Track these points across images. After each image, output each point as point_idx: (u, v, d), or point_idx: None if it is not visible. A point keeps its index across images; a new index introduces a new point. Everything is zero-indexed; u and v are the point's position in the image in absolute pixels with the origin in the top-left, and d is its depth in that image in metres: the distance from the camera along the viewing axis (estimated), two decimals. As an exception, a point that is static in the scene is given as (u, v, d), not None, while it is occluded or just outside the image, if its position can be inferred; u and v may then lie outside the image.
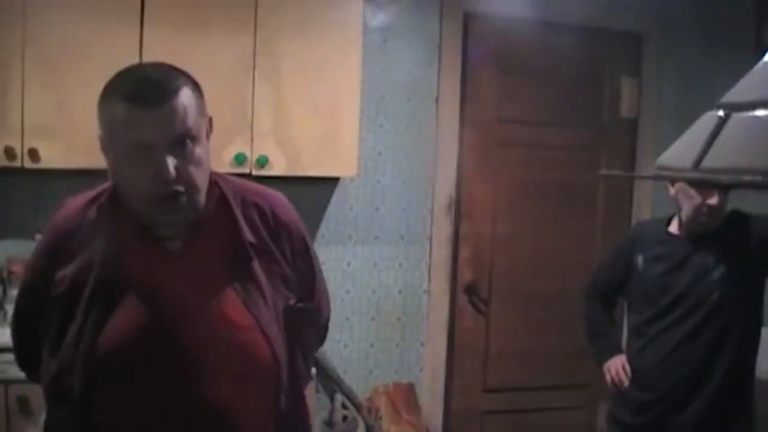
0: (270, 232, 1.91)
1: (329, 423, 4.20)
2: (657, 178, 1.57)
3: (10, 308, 3.36)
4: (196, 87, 1.79)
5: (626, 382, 3.33)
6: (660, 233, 3.32)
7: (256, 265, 1.85)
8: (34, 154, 3.41)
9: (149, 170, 1.68)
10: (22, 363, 1.99)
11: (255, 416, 1.80)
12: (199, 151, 1.75)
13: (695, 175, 1.17)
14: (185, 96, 1.73)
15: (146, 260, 1.79)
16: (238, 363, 1.77)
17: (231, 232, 1.85)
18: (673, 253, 3.23)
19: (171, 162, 1.68)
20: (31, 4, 3.37)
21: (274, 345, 1.81)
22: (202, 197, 1.79)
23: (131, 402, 1.72)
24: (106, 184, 1.86)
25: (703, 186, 3.01)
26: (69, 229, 1.83)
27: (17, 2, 3.35)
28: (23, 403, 3.27)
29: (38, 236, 3.23)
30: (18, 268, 3.59)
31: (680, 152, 1.23)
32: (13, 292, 3.49)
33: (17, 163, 3.41)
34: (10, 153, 3.38)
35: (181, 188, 1.71)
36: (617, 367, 3.36)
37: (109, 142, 1.74)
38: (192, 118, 1.73)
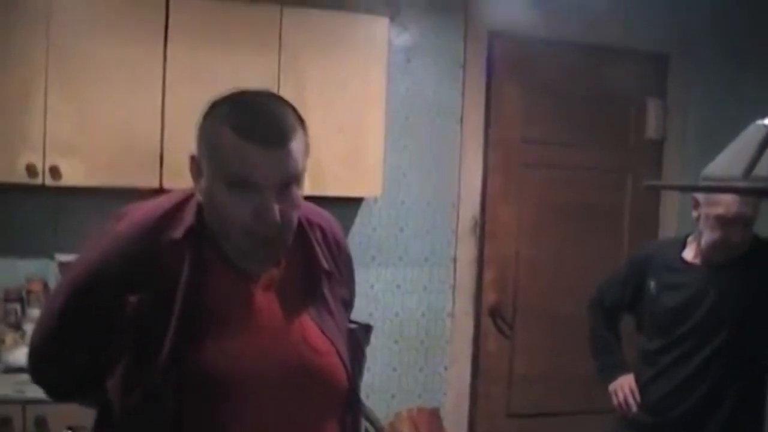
0: (332, 254, 1.89)
1: (351, 448, 4.14)
2: (705, 189, 1.52)
3: (28, 327, 3.35)
4: (304, 124, 1.75)
5: (634, 408, 3.25)
6: (675, 259, 3.18)
7: (326, 289, 1.84)
8: (55, 171, 3.38)
9: (251, 207, 1.62)
10: (47, 370, 1.82)
11: None
12: (299, 193, 1.71)
13: (746, 184, 1.13)
14: (299, 138, 1.69)
15: (231, 287, 1.73)
16: (317, 387, 1.75)
17: (307, 257, 1.82)
18: (687, 284, 3.11)
19: (276, 206, 1.63)
20: (55, 20, 3.36)
21: (348, 368, 1.80)
22: (292, 236, 1.74)
23: (218, 424, 1.66)
24: (177, 195, 1.76)
25: (752, 195, 2.89)
26: (148, 245, 1.68)
27: (41, 19, 3.34)
28: (40, 424, 3.22)
29: (58, 256, 3.25)
30: (37, 287, 3.56)
31: (728, 163, 1.19)
32: (33, 312, 3.46)
33: (38, 181, 3.38)
34: (31, 170, 3.36)
35: (279, 232, 1.66)
36: (625, 391, 3.27)
37: (208, 166, 1.66)
38: (301, 163, 1.69)
